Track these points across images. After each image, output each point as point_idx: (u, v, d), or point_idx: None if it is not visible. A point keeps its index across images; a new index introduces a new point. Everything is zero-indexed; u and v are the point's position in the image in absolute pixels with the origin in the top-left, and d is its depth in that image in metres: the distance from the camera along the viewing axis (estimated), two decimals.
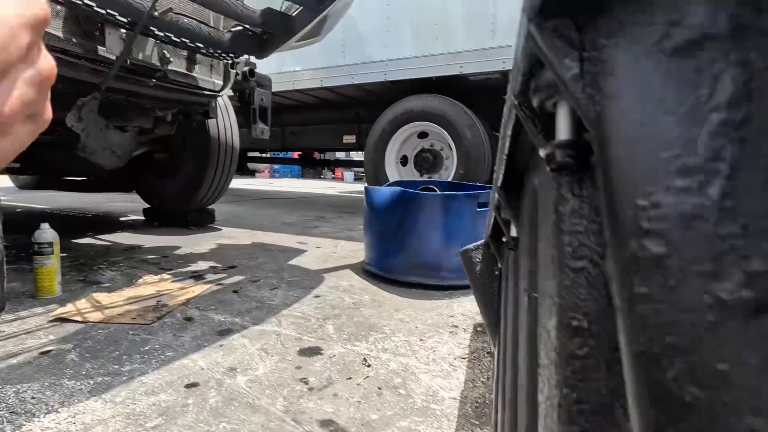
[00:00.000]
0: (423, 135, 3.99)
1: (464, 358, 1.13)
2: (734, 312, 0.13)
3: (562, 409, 0.18)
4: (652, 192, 0.14)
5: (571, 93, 0.16)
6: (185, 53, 1.87)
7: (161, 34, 1.66)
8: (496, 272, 0.56)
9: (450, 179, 3.65)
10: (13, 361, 1.04)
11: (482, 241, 0.60)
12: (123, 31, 1.57)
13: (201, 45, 1.80)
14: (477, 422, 0.85)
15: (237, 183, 2.91)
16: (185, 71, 1.86)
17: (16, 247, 2.15)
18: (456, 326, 1.36)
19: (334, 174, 14.18)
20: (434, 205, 1.69)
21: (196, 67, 1.91)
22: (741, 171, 0.13)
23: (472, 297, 1.66)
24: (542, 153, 0.18)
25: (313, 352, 1.15)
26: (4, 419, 0.81)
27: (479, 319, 1.42)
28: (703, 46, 0.14)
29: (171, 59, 1.75)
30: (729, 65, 0.13)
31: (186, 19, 1.67)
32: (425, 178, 3.96)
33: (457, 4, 3.59)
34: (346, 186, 10.84)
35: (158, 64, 1.69)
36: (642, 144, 0.15)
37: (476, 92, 3.96)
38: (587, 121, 0.16)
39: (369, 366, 1.07)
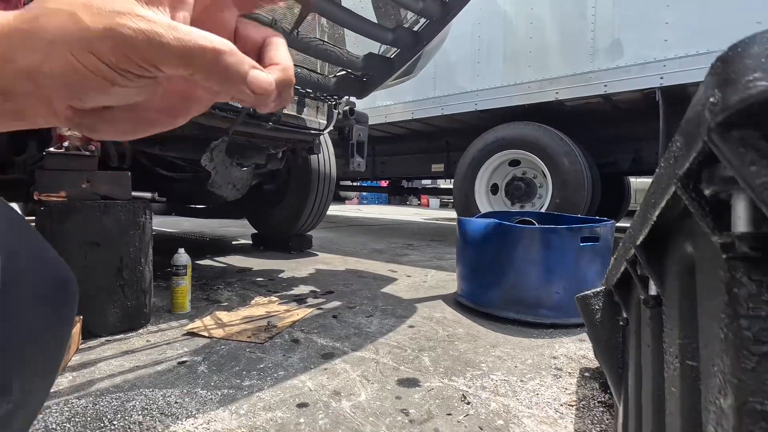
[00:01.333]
0: (515, 163, 3.89)
1: (572, 405, 1.06)
2: None
3: None
4: None
5: (757, 194, 0.17)
6: (296, 98, 2.08)
7: None
8: (621, 323, 0.53)
9: (544, 208, 3.49)
10: (159, 368, 1.22)
11: (601, 288, 0.57)
12: None
13: (310, 90, 2.00)
14: None
15: (329, 210, 3.13)
16: (296, 114, 2.08)
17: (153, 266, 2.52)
18: (560, 369, 1.28)
19: (419, 200, 14.33)
20: (533, 238, 1.63)
21: (305, 109, 2.12)
22: None
23: (575, 337, 1.56)
24: (717, 240, 0.19)
25: (411, 383, 1.16)
26: (156, 419, 0.95)
27: (585, 363, 1.33)
28: None
29: None
30: None
31: (299, 69, 1.88)
32: (517, 207, 3.83)
33: (551, 30, 3.52)
34: (431, 212, 10.88)
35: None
36: None
37: (574, 118, 3.79)
38: None
39: (468, 404, 1.06)
